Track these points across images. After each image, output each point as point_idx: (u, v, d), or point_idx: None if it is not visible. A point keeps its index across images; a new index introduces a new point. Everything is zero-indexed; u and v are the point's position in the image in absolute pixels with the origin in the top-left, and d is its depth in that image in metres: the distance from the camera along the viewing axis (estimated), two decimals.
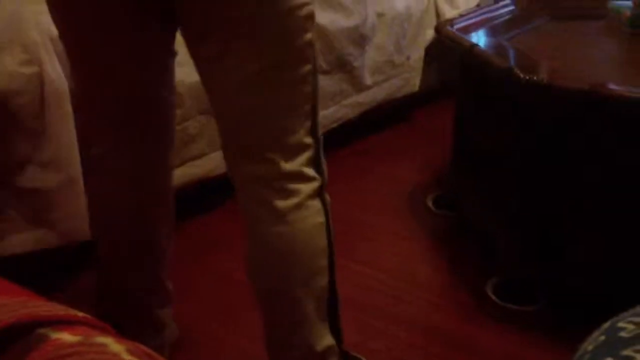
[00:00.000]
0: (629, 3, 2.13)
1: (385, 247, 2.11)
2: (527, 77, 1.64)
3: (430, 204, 2.34)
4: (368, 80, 2.67)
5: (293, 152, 1.21)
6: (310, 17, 1.18)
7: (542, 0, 2.42)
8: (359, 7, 2.57)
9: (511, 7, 2.33)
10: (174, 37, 1.29)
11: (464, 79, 2.12)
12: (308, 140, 1.23)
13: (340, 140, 2.63)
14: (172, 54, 1.32)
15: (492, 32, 2.11)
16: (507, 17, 2.27)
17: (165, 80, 1.34)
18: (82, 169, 1.73)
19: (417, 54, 2.85)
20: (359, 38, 2.57)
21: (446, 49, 2.10)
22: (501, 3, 2.38)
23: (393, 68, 2.76)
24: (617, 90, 1.59)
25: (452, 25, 2.08)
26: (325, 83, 2.47)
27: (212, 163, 2.14)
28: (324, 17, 2.42)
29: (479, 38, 2.03)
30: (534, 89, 1.65)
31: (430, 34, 2.86)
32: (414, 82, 2.87)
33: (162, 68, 1.32)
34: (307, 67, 1.19)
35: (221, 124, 1.25)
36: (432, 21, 2.90)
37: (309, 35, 1.18)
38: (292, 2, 1.15)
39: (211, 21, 1.14)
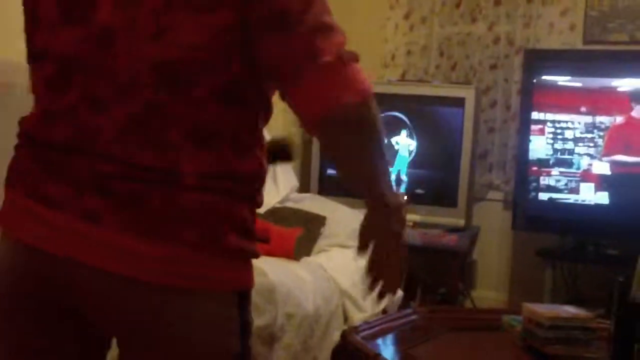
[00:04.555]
0: (521, 318, 2.29)
1: None
2: None
3: None
4: None
5: None
6: None
7: (441, 310, 2.58)
8: (270, 306, 2.67)
9: (413, 317, 2.47)
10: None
11: None
12: None
13: None
14: None
15: (396, 340, 2.22)
16: (409, 325, 2.40)
17: None
18: None
19: (324, 355, 2.91)
20: (268, 337, 2.64)
21: (352, 355, 2.18)
22: (404, 312, 2.52)
23: None
24: None
25: (357, 333, 2.17)
26: None
27: None
28: None
29: (383, 346, 2.13)
30: None
31: (337, 335, 2.94)
32: None
33: None
34: None
35: None
36: (340, 323, 3.03)
37: None
38: None
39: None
